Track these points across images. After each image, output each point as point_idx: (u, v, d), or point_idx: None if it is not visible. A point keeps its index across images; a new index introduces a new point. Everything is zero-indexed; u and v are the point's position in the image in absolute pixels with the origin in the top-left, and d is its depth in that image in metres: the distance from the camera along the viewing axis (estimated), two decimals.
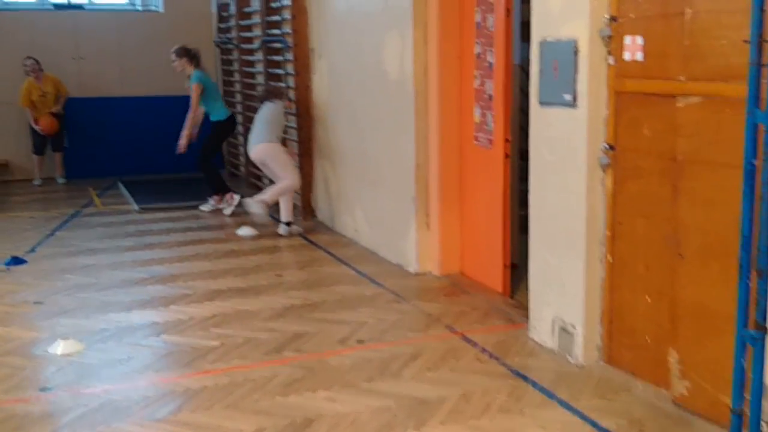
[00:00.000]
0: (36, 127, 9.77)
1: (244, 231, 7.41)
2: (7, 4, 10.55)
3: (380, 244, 6.60)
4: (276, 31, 8.27)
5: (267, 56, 8.59)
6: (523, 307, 4.88)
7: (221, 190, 8.39)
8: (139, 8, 11.26)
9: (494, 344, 4.53)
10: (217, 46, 10.56)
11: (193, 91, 8.01)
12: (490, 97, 5.42)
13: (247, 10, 9.42)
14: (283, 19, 8.08)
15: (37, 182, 10.07)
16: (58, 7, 10.67)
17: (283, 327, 4.84)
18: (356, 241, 7.00)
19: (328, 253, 6.68)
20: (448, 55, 5.71)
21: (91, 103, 10.72)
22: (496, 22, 5.27)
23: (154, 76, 10.91)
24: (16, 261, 6.35)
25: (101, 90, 10.81)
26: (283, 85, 8.20)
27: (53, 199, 9.20)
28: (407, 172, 6.00)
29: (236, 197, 8.25)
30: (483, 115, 5.52)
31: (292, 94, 7.95)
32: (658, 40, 3.68)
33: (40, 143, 9.98)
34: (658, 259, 3.82)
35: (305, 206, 7.97)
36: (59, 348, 4.42)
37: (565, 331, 4.34)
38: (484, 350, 4.44)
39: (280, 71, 8.30)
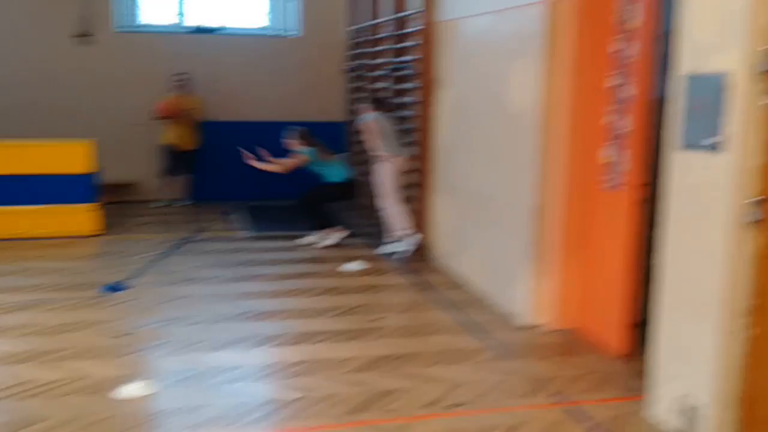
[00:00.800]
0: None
1: (351, 266, 7.05)
2: (144, 26, 10.82)
3: (493, 290, 6.03)
4: (403, 59, 7.93)
5: (394, 84, 8.25)
6: (647, 376, 4.19)
7: (328, 225, 8.07)
8: (276, 33, 11.27)
9: (608, 419, 3.90)
10: (347, 72, 10.37)
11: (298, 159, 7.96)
12: (624, 135, 4.78)
13: (379, 36, 9.15)
14: (411, 47, 7.72)
15: (163, 203, 10.14)
16: (194, 30, 10.83)
17: (371, 381, 4.38)
18: (469, 284, 6.47)
19: (436, 295, 6.18)
20: (579, 88, 5.12)
21: (224, 127, 10.77)
22: (639, 50, 4.64)
23: (286, 101, 10.89)
24: (115, 287, 6.25)
25: (234, 113, 10.86)
26: (409, 113, 7.84)
27: (173, 222, 9.21)
28: (525, 213, 5.43)
29: (345, 232, 7.90)
30: (614, 154, 4.88)
31: (414, 123, 7.56)
32: None
33: (170, 164, 10.05)
34: None
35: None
36: (128, 391, 4.16)
37: (692, 412, 3.64)
38: (595, 427, 3.80)
39: (405, 100, 7.93)
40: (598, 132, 5.05)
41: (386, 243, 7.73)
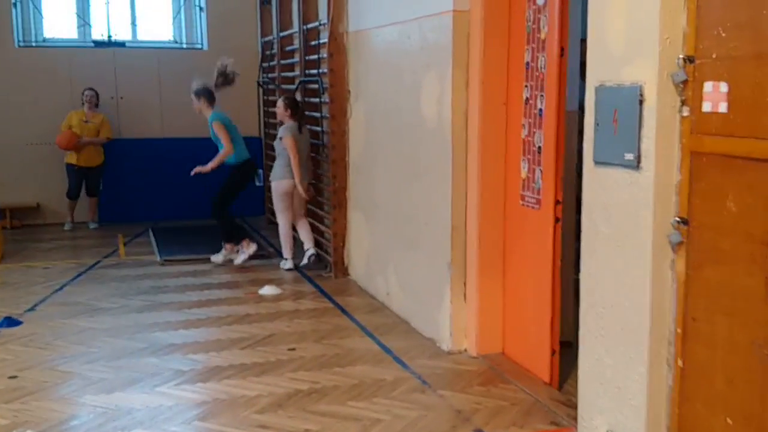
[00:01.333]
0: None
1: (267, 290, 6.70)
2: (47, 40, 10.22)
3: (413, 314, 5.77)
4: (314, 71, 7.62)
5: (305, 98, 7.94)
6: (573, 405, 3.98)
7: (236, 238, 7.74)
8: (183, 45, 10.82)
9: None
10: (260, 86, 9.99)
11: (219, 129, 7.59)
12: (539, 150, 4.58)
13: (289, 48, 8.83)
14: (321, 58, 7.42)
15: (67, 227, 9.56)
16: (98, 44, 10.30)
17: (278, 423, 4.04)
18: (388, 305, 6.19)
19: (354, 320, 5.88)
20: (491, 100, 4.91)
21: (129, 145, 10.26)
22: (548, 61, 4.45)
23: (196, 117, 10.41)
24: (10, 322, 5.75)
25: (140, 131, 10.35)
26: (319, 129, 7.53)
27: (78, 247, 8.67)
28: (443, 232, 5.19)
29: (253, 245, 7.59)
30: (531, 170, 4.68)
31: (327, 138, 7.26)
32: (748, 87, 2.81)
33: (75, 186, 9.48)
34: (745, 371, 2.92)
35: (337, 262, 7.21)
36: None
37: None
38: None
39: (317, 114, 7.62)
40: (514, 147, 4.85)
41: (284, 260, 7.52)
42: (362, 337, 5.49)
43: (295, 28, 8.28)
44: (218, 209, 7.66)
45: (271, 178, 7.52)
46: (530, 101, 4.66)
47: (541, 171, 4.57)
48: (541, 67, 4.54)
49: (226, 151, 7.60)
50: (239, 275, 7.33)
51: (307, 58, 7.88)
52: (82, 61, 10.08)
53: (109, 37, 10.38)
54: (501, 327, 5.15)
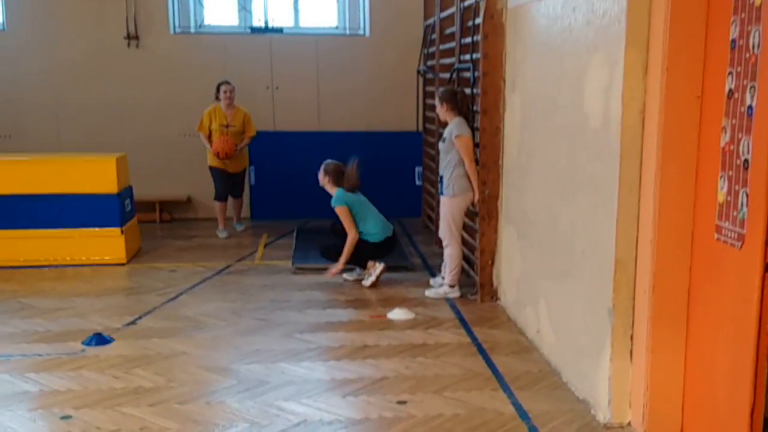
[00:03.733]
0: (207, 146, 8.43)
1: (397, 314, 5.69)
2: (203, 27, 9.81)
3: (564, 363, 4.53)
4: (467, 57, 6.48)
5: (459, 88, 6.82)
6: None
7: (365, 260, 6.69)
8: (347, 32, 10.03)
9: None
10: (420, 74, 8.98)
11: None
12: (746, 164, 3.20)
13: (448, 31, 7.72)
14: (476, 42, 6.26)
15: (223, 234, 8.60)
16: (255, 30, 9.75)
17: None
18: (537, 346, 4.98)
19: (491, 364, 4.72)
20: (679, 93, 3.56)
21: (283, 138, 9.66)
22: (764, 38, 3.06)
23: (353, 110, 9.66)
24: (99, 340, 5.16)
25: (295, 124, 9.71)
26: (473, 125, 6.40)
27: (216, 247, 8.11)
28: (604, 266, 3.91)
29: (379, 266, 6.53)
30: (732, 192, 3.30)
31: (478, 137, 6.10)
32: None
33: (222, 188, 8.66)
34: None
35: (484, 284, 6.06)
36: None
37: None
38: None
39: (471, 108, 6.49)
40: (709, 158, 3.48)
41: (439, 285, 6.32)
42: (495, 391, 4.33)
43: (455, 6, 7.17)
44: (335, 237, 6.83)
45: (444, 193, 6.12)
46: (735, 95, 3.27)
47: (747, 194, 3.18)
48: (753, 47, 3.15)
49: (351, 240, 6.51)
50: (372, 292, 6.38)
51: (462, 41, 6.76)
52: (237, 49, 9.58)
53: (266, 23, 9.80)
54: (680, 397, 3.81)
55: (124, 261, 7.28)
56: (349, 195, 6.63)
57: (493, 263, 6.03)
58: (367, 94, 9.62)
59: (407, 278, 6.74)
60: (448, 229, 6.11)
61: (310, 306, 5.97)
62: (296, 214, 9.29)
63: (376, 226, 6.64)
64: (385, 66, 9.63)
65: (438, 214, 6.85)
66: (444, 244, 6.22)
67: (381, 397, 4.26)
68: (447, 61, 7.59)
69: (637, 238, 3.78)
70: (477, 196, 6.00)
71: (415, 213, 9.34)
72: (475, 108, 6.21)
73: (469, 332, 5.34)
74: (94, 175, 7.30)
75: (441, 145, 6.21)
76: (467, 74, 6.50)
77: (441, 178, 6.19)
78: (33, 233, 7.17)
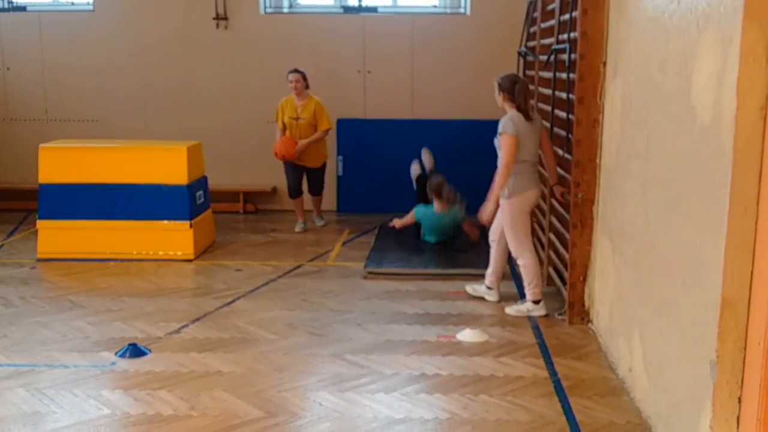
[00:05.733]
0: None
1: (467, 336, 4.94)
2: (294, 6, 9.27)
3: (658, 416, 3.65)
4: (565, 37, 5.58)
5: (556, 72, 5.93)
6: None
7: None
8: (447, 10, 9.22)
9: None
10: (521, 56, 8.08)
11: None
12: None
13: (550, 7, 6.79)
14: (574, 18, 5.35)
15: (299, 227, 8.07)
16: (347, 10, 9.12)
17: None
18: (628, 389, 4.10)
19: (567, 412, 3.89)
20: None
21: (374, 126, 9.02)
22: None
23: (449, 97, 8.88)
24: (134, 352, 4.70)
25: (387, 111, 9.04)
26: (567, 116, 5.51)
27: (292, 243, 7.57)
28: (708, 306, 3.02)
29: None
30: None
31: (572, 131, 5.21)
32: None
33: (293, 186, 8.04)
34: None
35: (574, 303, 5.19)
36: None
37: None
38: None
39: (563, 95, 5.60)
40: None
41: (520, 302, 5.51)
42: None
43: None
44: None
45: (501, 195, 5.32)
46: None
47: None
48: None
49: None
50: (444, 305, 5.62)
51: (561, 18, 5.85)
52: (329, 30, 8.99)
53: (360, 1, 9.15)
54: None
55: (191, 257, 6.87)
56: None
57: (585, 279, 5.15)
58: (465, 78, 8.80)
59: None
60: (514, 238, 5.32)
61: (373, 319, 5.30)
62: (384, 207, 8.61)
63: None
64: (485, 47, 8.79)
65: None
66: (514, 255, 5.43)
67: None
68: (547, 41, 6.68)
69: (752, 273, 2.87)
70: (490, 208, 5.30)
71: None
72: (569, 96, 5.32)
73: (549, 363, 4.52)
74: (164, 165, 6.91)
75: (495, 141, 5.41)
76: (564, 57, 5.61)
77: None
78: (99, 224, 6.87)
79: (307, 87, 7.81)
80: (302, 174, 8.05)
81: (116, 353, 4.70)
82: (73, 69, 9.08)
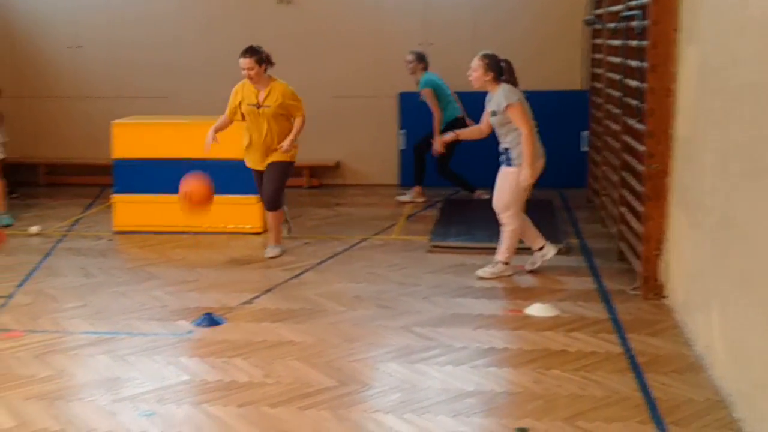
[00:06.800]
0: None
1: (537, 310, 4.90)
2: None
3: (739, 394, 3.56)
4: (635, 2, 5.43)
5: (627, 40, 5.78)
6: None
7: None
8: None
9: None
10: (588, 25, 7.89)
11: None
12: None
13: None
14: None
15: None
16: None
17: None
18: (706, 366, 4.01)
19: (644, 389, 3.82)
20: None
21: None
22: None
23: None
24: (210, 321, 4.81)
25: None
26: (635, 84, 5.39)
27: (355, 218, 7.61)
28: None
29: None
30: None
31: (644, 100, 5.08)
32: None
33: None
34: None
35: (648, 278, 5.09)
36: None
37: None
38: None
39: (635, 63, 5.46)
40: None
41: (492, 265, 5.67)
42: (644, 425, 3.46)
43: None
44: (441, 168, 7.83)
45: (513, 164, 5.44)
46: None
47: None
48: None
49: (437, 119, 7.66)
50: (510, 279, 5.58)
51: None
52: (388, 2, 8.92)
53: None
54: None
55: (260, 230, 6.97)
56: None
57: (659, 254, 5.04)
58: (526, 48, 8.57)
59: (559, 264, 5.85)
60: (514, 205, 5.51)
61: (439, 293, 5.30)
62: (447, 181, 8.54)
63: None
64: (548, 16, 8.68)
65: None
66: (504, 221, 5.57)
67: (497, 420, 3.54)
68: (616, 8, 6.52)
69: None
70: (525, 173, 5.36)
71: (579, 183, 8.34)
72: (642, 64, 5.20)
73: (623, 339, 4.45)
74: (232, 140, 6.99)
75: (493, 119, 5.50)
76: (635, 24, 5.46)
77: (506, 150, 5.50)
78: (171, 198, 6.97)
79: (265, 70, 6.11)
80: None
81: (193, 322, 4.81)
82: (141, 46, 9.25)
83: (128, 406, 3.75)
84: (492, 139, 5.69)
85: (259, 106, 6.11)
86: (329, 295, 5.30)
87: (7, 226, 7.23)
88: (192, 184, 5.88)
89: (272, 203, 6.20)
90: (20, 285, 5.59)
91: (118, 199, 7.12)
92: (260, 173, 6.30)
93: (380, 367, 4.16)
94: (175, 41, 9.19)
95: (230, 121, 6.32)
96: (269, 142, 6.15)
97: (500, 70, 5.47)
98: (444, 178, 7.96)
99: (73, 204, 8.28)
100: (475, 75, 5.46)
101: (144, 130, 7.19)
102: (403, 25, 8.89)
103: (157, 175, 7.01)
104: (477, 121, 6.07)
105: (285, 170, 6.25)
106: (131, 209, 7.07)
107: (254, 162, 6.29)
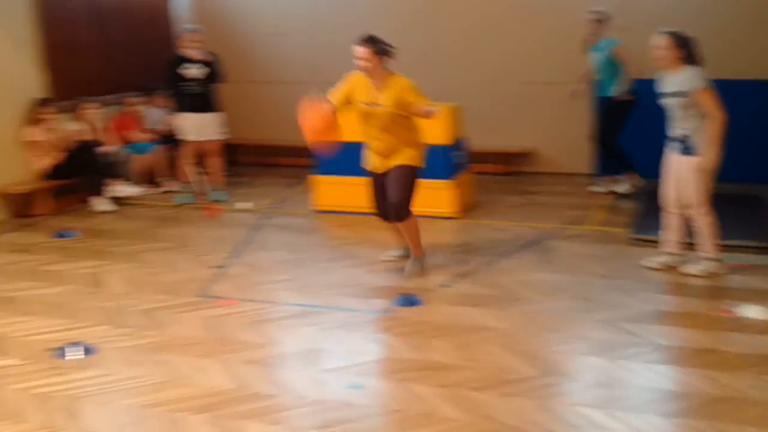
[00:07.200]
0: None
1: (752, 311, 4.59)
2: None
3: None
4: None
5: None
6: None
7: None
8: None
9: None
10: None
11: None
12: None
13: None
14: None
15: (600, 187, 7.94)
16: None
17: None
18: None
19: None
20: None
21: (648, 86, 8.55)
22: None
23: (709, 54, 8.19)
24: (407, 301, 4.92)
25: (646, 70, 8.50)
26: None
27: (550, 206, 7.44)
28: None
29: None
30: None
31: None
32: None
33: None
34: None
35: None
36: None
37: None
38: None
39: None
40: None
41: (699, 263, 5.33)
42: None
43: None
44: (603, 145, 7.74)
45: (695, 153, 5.08)
46: None
47: None
48: None
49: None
50: (720, 278, 5.26)
51: None
52: None
53: None
54: None
55: (455, 215, 7.03)
56: None
57: None
58: (722, 34, 7.98)
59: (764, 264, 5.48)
60: (704, 195, 5.15)
61: (642, 288, 5.10)
62: (644, 172, 8.18)
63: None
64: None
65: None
66: (700, 213, 5.19)
67: (712, 424, 3.37)
68: None
69: None
70: (713, 156, 5.01)
71: None
72: None
73: None
74: (428, 125, 7.07)
75: (673, 100, 5.09)
76: None
77: (686, 137, 5.11)
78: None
79: (382, 63, 5.31)
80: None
81: (392, 301, 4.95)
82: (336, 32, 9.52)
83: (334, 377, 3.94)
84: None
85: (373, 105, 5.28)
86: (525, 284, 5.26)
87: (222, 201, 7.84)
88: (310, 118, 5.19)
89: (400, 212, 5.37)
90: (234, 257, 6.01)
91: (319, 180, 7.44)
92: (379, 179, 5.53)
93: (582, 360, 4.08)
94: (349, 24, 9.29)
95: (336, 109, 5.34)
96: (392, 145, 5.36)
97: (690, 49, 5.08)
98: (604, 151, 7.84)
99: (277, 183, 8.77)
100: (664, 53, 5.08)
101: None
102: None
103: (356, 158, 7.22)
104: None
105: (413, 175, 5.41)
106: (330, 190, 7.36)
107: (373, 164, 5.55)
